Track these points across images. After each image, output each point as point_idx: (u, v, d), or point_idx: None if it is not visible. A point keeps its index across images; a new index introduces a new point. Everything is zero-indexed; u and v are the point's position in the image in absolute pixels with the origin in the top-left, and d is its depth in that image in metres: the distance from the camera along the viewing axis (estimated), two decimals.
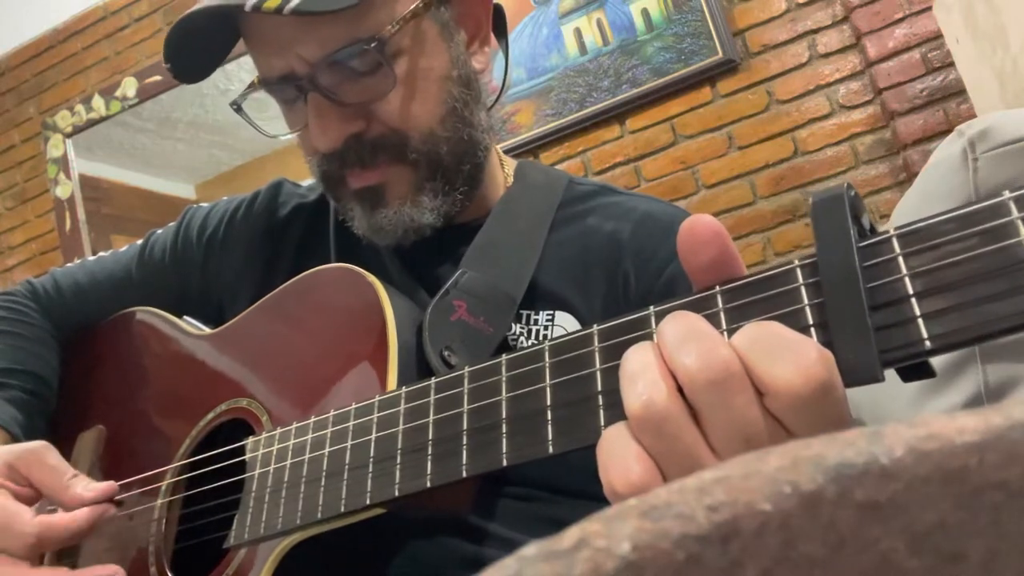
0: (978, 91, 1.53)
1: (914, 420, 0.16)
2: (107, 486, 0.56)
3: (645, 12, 1.94)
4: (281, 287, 0.64)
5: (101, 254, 0.84)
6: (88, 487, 0.56)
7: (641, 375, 0.30)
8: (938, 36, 1.68)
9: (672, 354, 0.30)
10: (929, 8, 1.68)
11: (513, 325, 0.62)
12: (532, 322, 0.63)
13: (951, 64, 1.67)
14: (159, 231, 0.81)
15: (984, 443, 0.15)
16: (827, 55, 1.83)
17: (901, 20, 1.74)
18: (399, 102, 0.60)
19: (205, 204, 0.81)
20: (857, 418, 1.30)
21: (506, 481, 0.58)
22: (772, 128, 1.85)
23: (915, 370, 0.30)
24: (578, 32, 2.00)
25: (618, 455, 0.30)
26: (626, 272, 0.64)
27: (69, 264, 0.84)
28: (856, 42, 1.80)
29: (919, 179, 0.77)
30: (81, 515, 0.54)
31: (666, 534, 0.14)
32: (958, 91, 1.67)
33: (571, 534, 0.14)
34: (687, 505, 0.14)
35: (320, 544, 0.51)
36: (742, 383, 0.28)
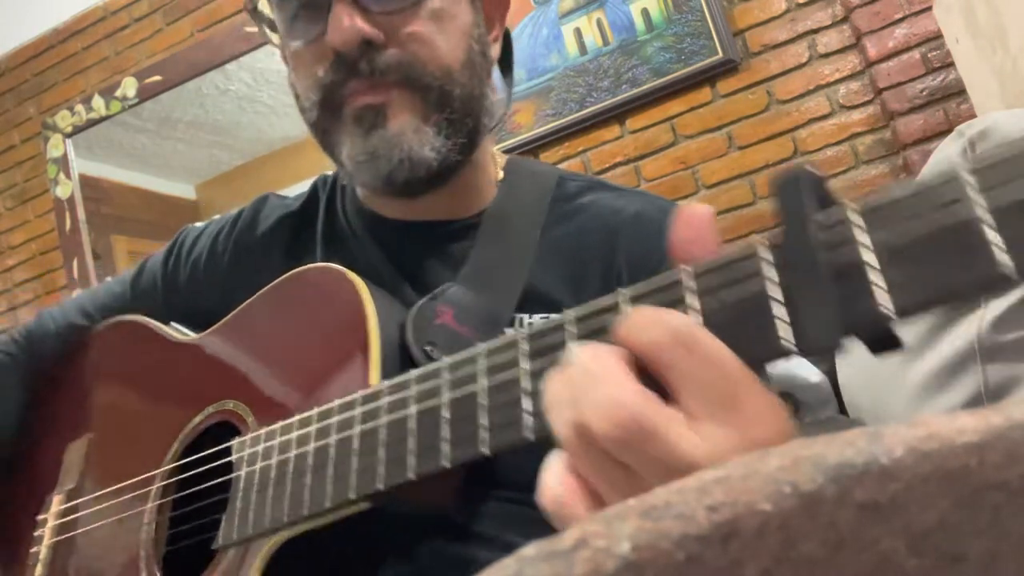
0: (978, 91, 1.53)
1: (914, 420, 0.16)
2: None
3: (645, 12, 1.94)
4: (265, 288, 0.64)
5: (107, 279, 0.85)
6: None
7: (556, 406, 0.31)
8: (938, 36, 1.68)
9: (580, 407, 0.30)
10: (929, 8, 1.68)
11: (507, 330, 0.62)
12: (527, 326, 0.62)
13: (951, 64, 1.67)
14: (155, 254, 0.82)
15: (984, 443, 0.15)
16: (827, 55, 1.83)
17: (901, 20, 1.74)
18: (424, 30, 0.60)
19: (199, 224, 0.82)
20: (857, 418, 1.30)
21: (498, 484, 0.58)
22: (772, 128, 1.85)
23: (881, 342, 0.30)
24: (578, 32, 2.00)
25: (547, 470, 0.32)
26: (619, 271, 0.63)
27: (82, 292, 0.86)
28: (856, 42, 1.80)
29: (919, 179, 0.76)
30: None
31: (666, 534, 0.14)
32: (958, 91, 1.67)
33: (571, 534, 0.14)
34: (687, 505, 0.14)
35: (311, 545, 0.51)
36: (658, 431, 0.29)
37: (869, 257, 0.29)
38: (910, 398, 0.87)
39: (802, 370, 1.38)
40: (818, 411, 1.38)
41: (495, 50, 0.69)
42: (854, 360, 1.26)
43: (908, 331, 0.93)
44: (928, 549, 0.14)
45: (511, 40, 0.73)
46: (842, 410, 1.37)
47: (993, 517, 0.14)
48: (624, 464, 0.29)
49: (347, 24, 0.57)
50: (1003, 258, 0.26)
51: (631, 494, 0.29)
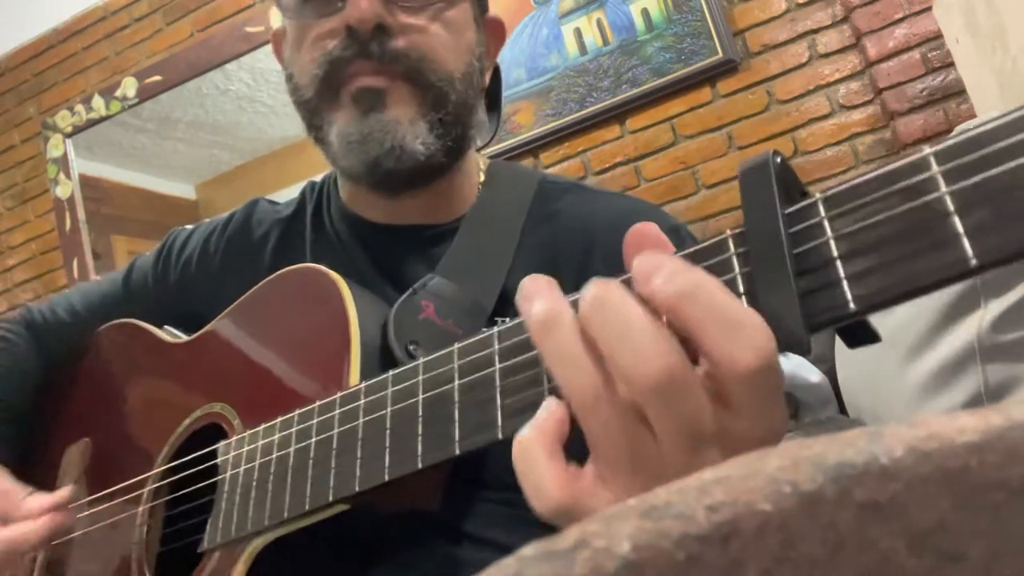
0: (978, 91, 1.53)
1: (914, 420, 0.16)
2: (55, 495, 0.59)
3: (645, 12, 1.94)
4: (251, 291, 0.65)
5: (95, 278, 0.85)
6: (37, 501, 0.58)
7: (571, 356, 0.30)
8: (938, 36, 1.68)
9: (611, 352, 0.29)
10: (929, 8, 1.68)
11: (486, 330, 0.62)
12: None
13: (951, 64, 1.67)
14: (145, 254, 0.82)
15: (984, 443, 0.15)
16: (827, 55, 1.83)
17: (901, 20, 1.74)
18: (437, 32, 0.63)
19: (189, 226, 0.83)
20: (857, 418, 1.30)
21: (489, 485, 0.58)
22: (772, 128, 1.85)
23: (856, 334, 0.30)
24: (578, 32, 2.00)
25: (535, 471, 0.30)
26: (596, 272, 0.64)
27: (68, 289, 0.85)
28: (856, 42, 1.80)
29: None
30: (37, 523, 0.57)
31: (666, 534, 0.14)
32: (958, 91, 1.67)
33: (571, 534, 0.14)
34: (687, 505, 0.14)
35: (298, 545, 0.51)
36: (690, 386, 0.28)
37: (836, 250, 0.28)
38: (910, 398, 0.87)
39: (802, 370, 1.38)
40: (818, 411, 1.38)
41: (485, 79, 0.72)
42: (854, 360, 1.26)
43: (908, 332, 0.93)
44: (928, 549, 0.14)
45: (500, 77, 0.76)
46: (842, 410, 1.37)
47: (993, 517, 0.14)
48: (643, 421, 0.28)
49: (367, 4, 0.59)
50: (967, 247, 0.26)
51: (640, 459, 0.29)
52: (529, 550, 0.14)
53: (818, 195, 0.29)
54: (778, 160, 0.30)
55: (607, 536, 0.14)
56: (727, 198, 1.87)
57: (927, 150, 0.27)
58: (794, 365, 1.38)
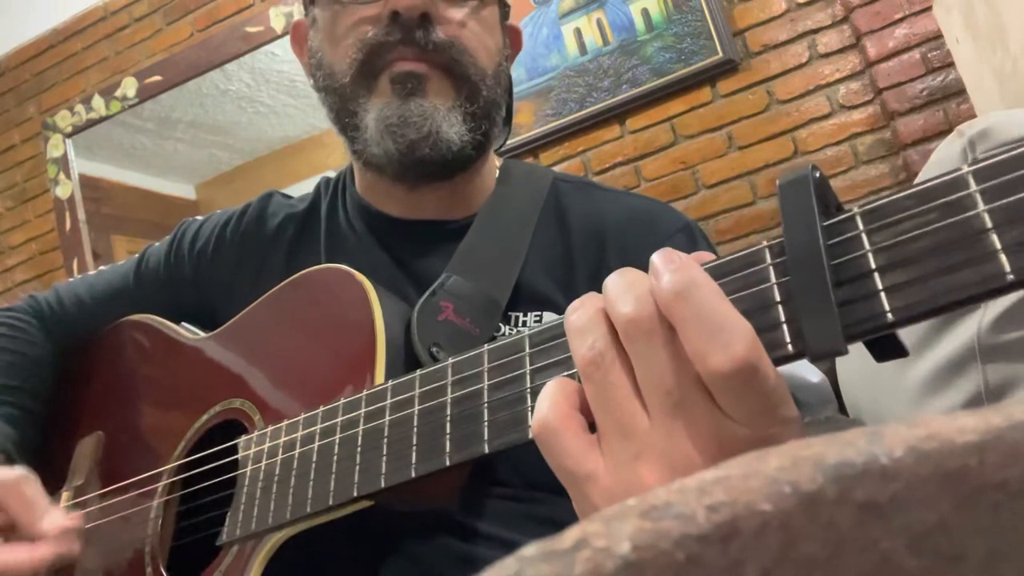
0: (978, 91, 1.53)
1: (914, 420, 0.16)
2: (67, 521, 0.57)
3: (645, 12, 1.94)
4: (274, 289, 0.65)
5: (101, 268, 0.85)
6: (51, 522, 0.56)
7: (583, 326, 0.32)
8: (938, 36, 1.68)
9: (612, 304, 0.31)
10: (929, 8, 1.68)
11: (501, 326, 0.63)
12: (521, 323, 0.63)
13: (951, 64, 1.67)
14: (155, 244, 0.82)
15: (984, 443, 0.15)
16: (827, 55, 1.82)
17: (901, 20, 1.74)
18: (476, 29, 0.65)
19: (200, 217, 0.83)
20: (857, 418, 1.30)
21: (500, 482, 0.59)
22: (772, 128, 1.85)
23: (885, 347, 0.31)
24: (578, 32, 2.00)
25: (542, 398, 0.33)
26: (609, 269, 0.64)
27: (71, 279, 0.85)
28: (856, 42, 1.80)
29: (919, 179, 0.77)
30: (41, 548, 0.55)
31: (666, 534, 0.14)
32: (958, 91, 1.67)
33: (571, 534, 0.14)
34: (687, 505, 0.14)
35: (314, 541, 0.51)
36: (668, 336, 0.30)
37: (873, 263, 0.29)
38: (910, 398, 0.87)
39: (802, 370, 1.38)
40: (818, 411, 1.38)
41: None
42: (854, 360, 1.25)
43: (908, 332, 0.93)
44: (928, 549, 0.14)
45: (512, 88, 0.77)
46: (842, 410, 1.37)
47: (993, 517, 0.14)
48: (623, 387, 0.30)
49: None
50: (1005, 262, 0.26)
51: (624, 422, 0.30)
52: (529, 550, 0.14)
53: (856, 209, 0.30)
54: (816, 175, 0.31)
55: (607, 536, 0.14)
56: (727, 198, 1.87)
57: (965, 168, 0.28)
58: (794, 365, 1.38)
